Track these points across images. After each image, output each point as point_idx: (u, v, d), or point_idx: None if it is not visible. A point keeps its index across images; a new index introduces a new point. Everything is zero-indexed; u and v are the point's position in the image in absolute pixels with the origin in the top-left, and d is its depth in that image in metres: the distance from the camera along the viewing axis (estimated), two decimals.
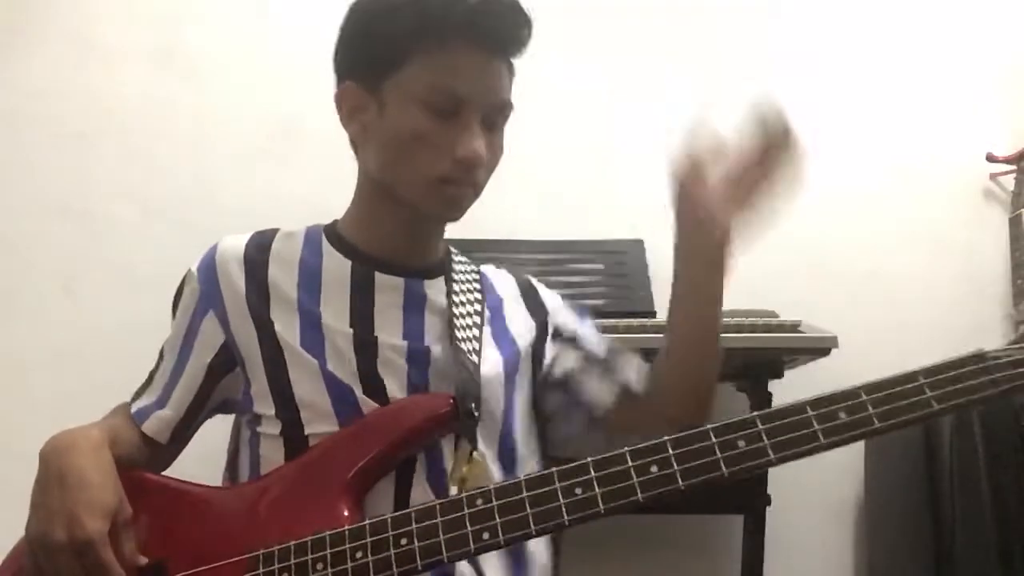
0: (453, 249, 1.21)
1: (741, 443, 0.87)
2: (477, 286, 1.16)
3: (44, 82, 2.14)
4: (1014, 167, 2.12)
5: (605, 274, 1.95)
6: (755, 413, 0.88)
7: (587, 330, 1.22)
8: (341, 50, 1.09)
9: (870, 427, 0.84)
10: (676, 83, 2.19)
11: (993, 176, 2.17)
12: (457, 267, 1.17)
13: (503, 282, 1.22)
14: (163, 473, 1.09)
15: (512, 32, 1.04)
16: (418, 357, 1.05)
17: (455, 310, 1.09)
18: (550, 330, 1.19)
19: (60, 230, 2.08)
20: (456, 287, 1.12)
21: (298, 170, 2.08)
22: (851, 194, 2.17)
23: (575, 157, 2.15)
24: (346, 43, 1.09)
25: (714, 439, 0.88)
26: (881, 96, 2.20)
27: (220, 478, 1.13)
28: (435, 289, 1.11)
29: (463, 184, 1.04)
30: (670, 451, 0.88)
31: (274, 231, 1.14)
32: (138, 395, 1.13)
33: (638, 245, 1.99)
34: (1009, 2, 2.24)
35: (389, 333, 1.05)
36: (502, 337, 1.13)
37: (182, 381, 1.09)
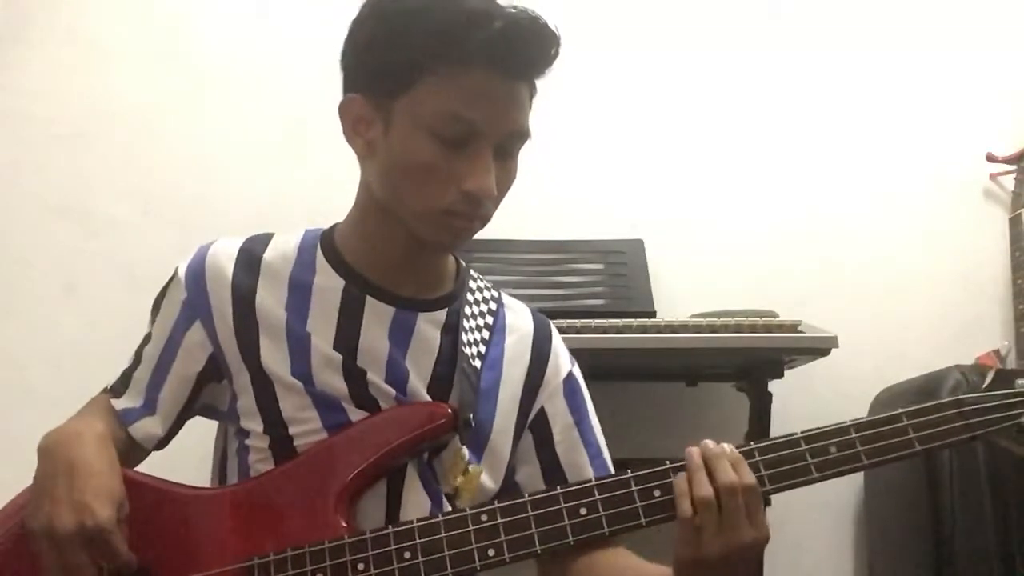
0: (474, 274, 1.14)
1: None
2: (486, 335, 1.08)
3: (44, 82, 2.14)
4: (1014, 167, 2.12)
5: (605, 274, 1.94)
6: (752, 444, 0.92)
7: (572, 435, 1.11)
8: (350, 58, 1.00)
9: (858, 463, 0.91)
10: (677, 82, 2.19)
11: (993, 176, 2.17)
12: (473, 296, 1.10)
13: (517, 330, 1.12)
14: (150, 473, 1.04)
15: (538, 57, 0.95)
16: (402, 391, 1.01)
17: (462, 350, 1.03)
18: (533, 412, 1.10)
19: (60, 230, 2.08)
20: (463, 335, 1.05)
21: (299, 170, 2.08)
22: (851, 194, 2.17)
23: (575, 157, 2.14)
24: (356, 53, 0.99)
25: None
26: (881, 96, 2.20)
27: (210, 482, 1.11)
28: (430, 324, 1.04)
29: (470, 218, 0.97)
30: (672, 477, 0.90)
31: (268, 237, 1.08)
32: (117, 393, 1.08)
33: (638, 245, 1.99)
34: (1009, 2, 2.23)
35: (374, 371, 1.01)
36: (483, 409, 1.05)
37: (168, 389, 1.05)
